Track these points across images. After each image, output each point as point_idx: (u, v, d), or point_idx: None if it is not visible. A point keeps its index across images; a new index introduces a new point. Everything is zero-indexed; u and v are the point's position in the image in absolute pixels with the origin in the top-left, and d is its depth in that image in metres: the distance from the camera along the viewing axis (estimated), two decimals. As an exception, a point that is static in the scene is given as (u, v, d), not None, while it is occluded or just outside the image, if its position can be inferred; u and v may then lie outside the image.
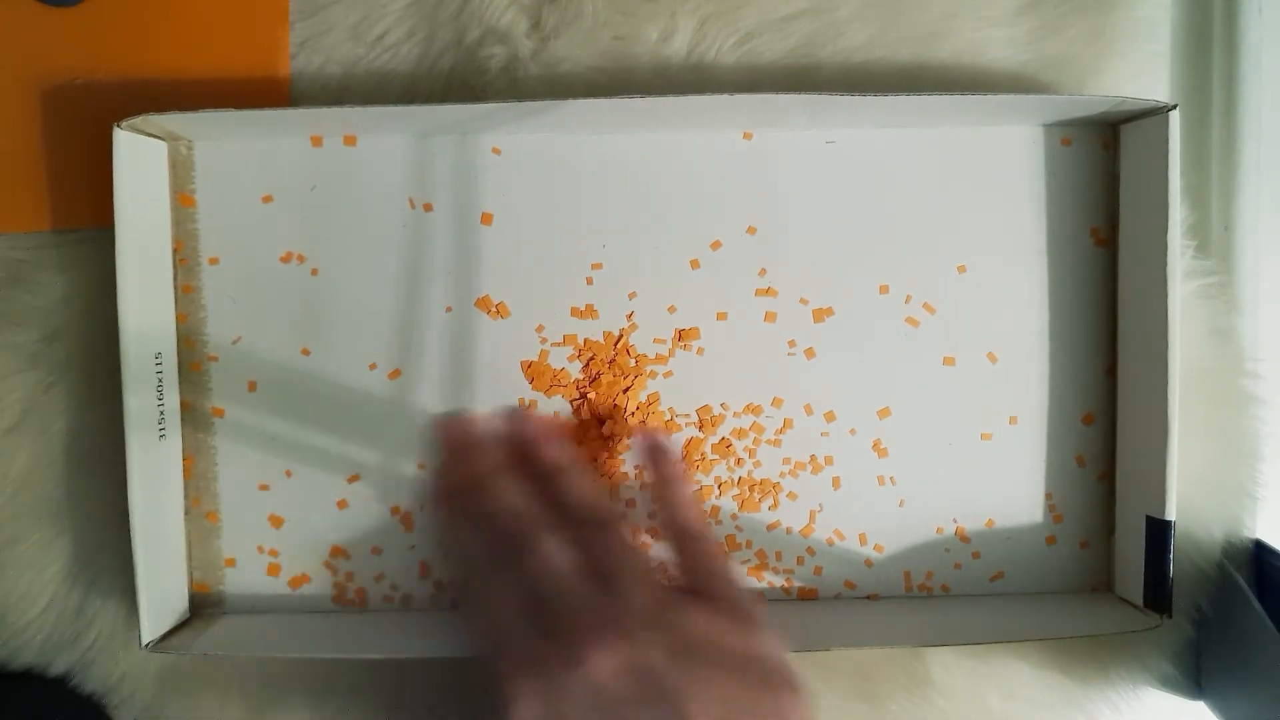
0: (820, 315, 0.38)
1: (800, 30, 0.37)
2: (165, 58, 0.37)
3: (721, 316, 0.38)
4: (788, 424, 0.38)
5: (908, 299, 0.38)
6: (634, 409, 0.37)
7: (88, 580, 0.38)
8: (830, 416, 0.38)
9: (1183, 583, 0.38)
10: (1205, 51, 0.39)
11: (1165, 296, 0.34)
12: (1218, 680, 0.38)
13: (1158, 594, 0.35)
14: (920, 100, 0.34)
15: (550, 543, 0.29)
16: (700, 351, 0.38)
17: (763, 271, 0.38)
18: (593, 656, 0.26)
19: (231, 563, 0.38)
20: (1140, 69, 0.38)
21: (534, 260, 0.37)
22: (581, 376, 0.38)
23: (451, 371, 0.37)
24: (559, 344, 0.38)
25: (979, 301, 0.38)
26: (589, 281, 0.37)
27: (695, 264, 0.38)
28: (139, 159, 0.35)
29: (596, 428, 0.38)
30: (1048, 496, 0.38)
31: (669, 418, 0.38)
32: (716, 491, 0.38)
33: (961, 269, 0.38)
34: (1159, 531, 0.35)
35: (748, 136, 0.37)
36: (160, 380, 0.36)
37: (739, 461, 0.38)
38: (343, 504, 0.38)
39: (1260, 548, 0.38)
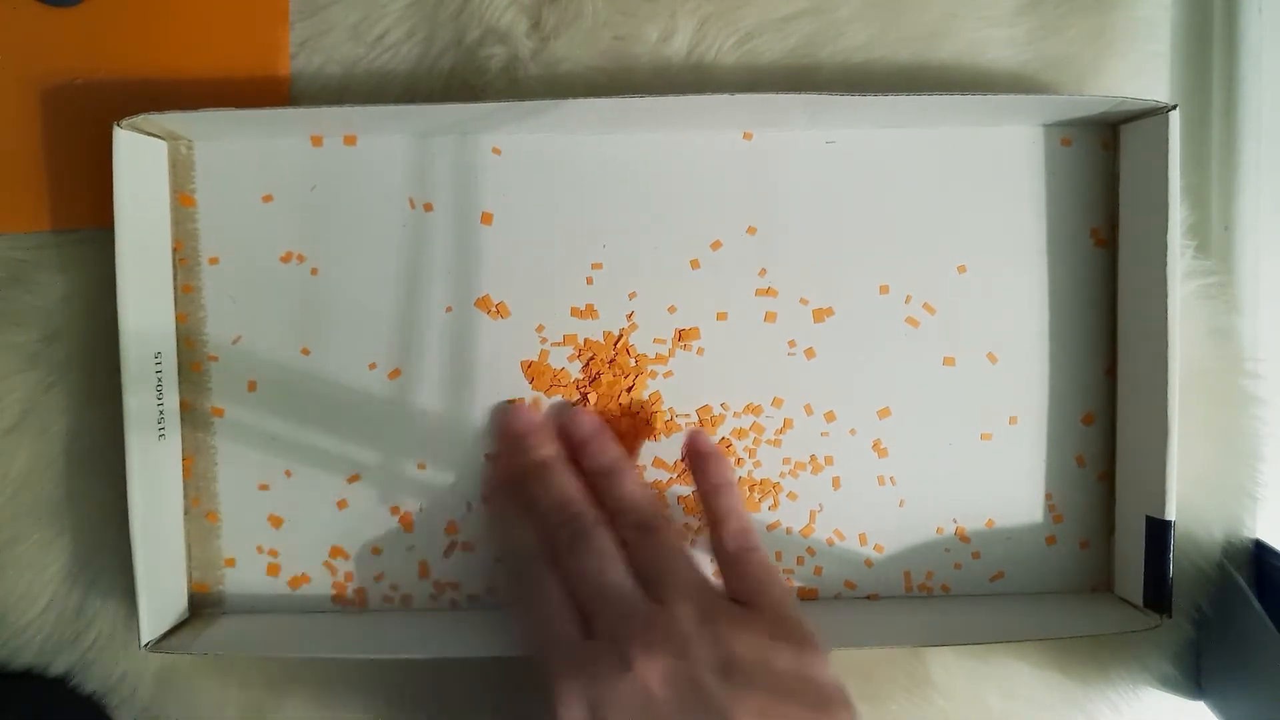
0: (820, 315, 0.38)
1: (800, 30, 0.37)
2: (165, 58, 0.37)
3: (721, 316, 0.38)
4: (788, 424, 0.38)
5: (908, 299, 0.38)
6: (635, 409, 0.37)
7: (88, 580, 0.38)
8: (830, 416, 0.38)
9: (1183, 583, 0.38)
10: (1205, 51, 0.39)
11: (1165, 296, 0.34)
12: (1218, 680, 0.38)
13: (1158, 594, 0.35)
14: (920, 100, 0.34)
15: (602, 540, 0.29)
16: (700, 351, 0.38)
17: (763, 271, 0.38)
18: (641, 663, 0.26)
19: (231, 562, 0.38)
20: (1140, 69, 0.38)
21: (534, 260, 0.37)
22: (581, 376, 0.38)
23: (451, 371, 0.37)
24: (559, 344, 0.38)
25: (979, 301, 0.38)
26: (589, 281, 0.37)
27: (695, 264, 0.38)
28: (139, 158, 0.35)
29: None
30: (1048, 496, 0.38)
31: (669, 418, 0.38)
32: (716, 491, 0.38)
33: (961, 269, 0.38)
34: (1159, 531, 0.35)
35: (748, 136, 0.37)
36: (160, 380, 0.36)
37: (739, 461, 0.38)
38: (342, 504, 0.38)
39: (1260, 548, 0.38)
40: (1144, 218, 0.35)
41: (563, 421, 0.35)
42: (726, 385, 0.38)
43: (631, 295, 0.38)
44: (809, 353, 0.38)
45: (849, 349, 0.38)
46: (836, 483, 0.38)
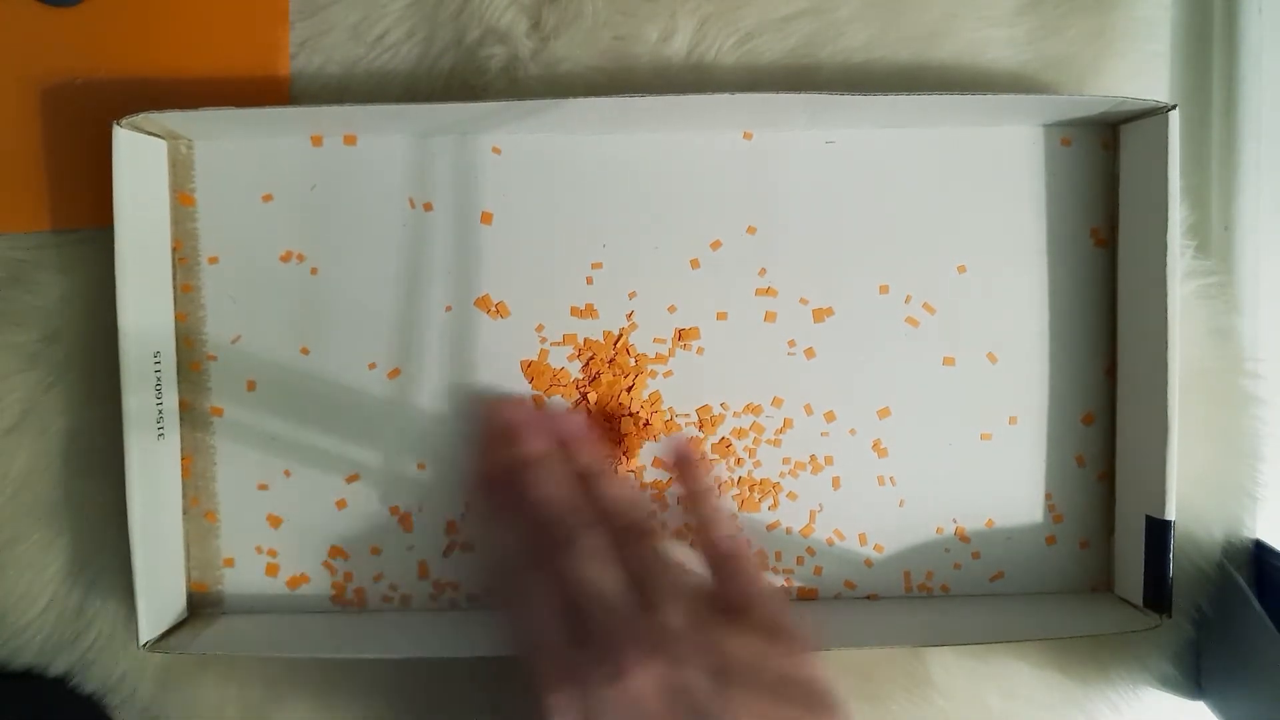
0: (820, 315, 0.38)
1: (800, 30, 0.37)
2: (165, 57, 0.37)
3: (721, 316, 0.38)
4: (788, 424, 0.38)
5: (908, 299, 0.38)
6: (636, 408, 0.37)
7: (88, 580, 0.38)
8: (830, 416, 0.38)
9: (1183, 583, 0.38)
10: (1205, 51, 0.39)
11: (1165, 296, 0.34)
12: (1218, 680, 0.38)
13: (1158, 594, 0.35)
14: (920, 100, 0.34)
15: (593, 542, 0.29)
16: (700, 351, 0.38)
17: (763, 271, 0.38)
18: (632, 671, 0.26)
19: (230, 562, 0.38)
20: (1140, 69, 0.38)
21: (534, 260, 0.37)
22: (581, 376, 0.38)
23: (451, 371, 0.37)
24: (559, 344, 0.38)
25: (979, 301, 0.38)
26: (589, 281, 0.37)
27: (695, 264, 0.38)
28: (139, 157, 0.35)
29: (609, 430, 0.38)
30: (1048, 496, 0.38)
31: (669, 418, 0.38)
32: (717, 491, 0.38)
33: (961, 269, 0.38)
34: (1159, 531, 0.35)
35: (748, 136, 0.37)
36: (159, 380, 0.36)
37: (739, 461, 0.38)
38: (342, 504, 0.38)
39: (1260, 548, 0.38)
40: (1144, 218, 0.35)
41: (551, 419, 0.34)
42: (726, 385, 0.38)
43: (631, 295, 0.38)
44: (809, 353, 0.38)
45: (849, 349, 0.38)
46: (836, 483, 0.38)
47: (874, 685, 0.39)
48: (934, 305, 0.38)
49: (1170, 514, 0.35)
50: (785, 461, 0.38)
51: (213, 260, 0.37)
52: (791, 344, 0.38)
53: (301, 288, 0.37)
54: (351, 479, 0.38)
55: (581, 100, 0.33)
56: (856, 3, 0.37)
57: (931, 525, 0.38)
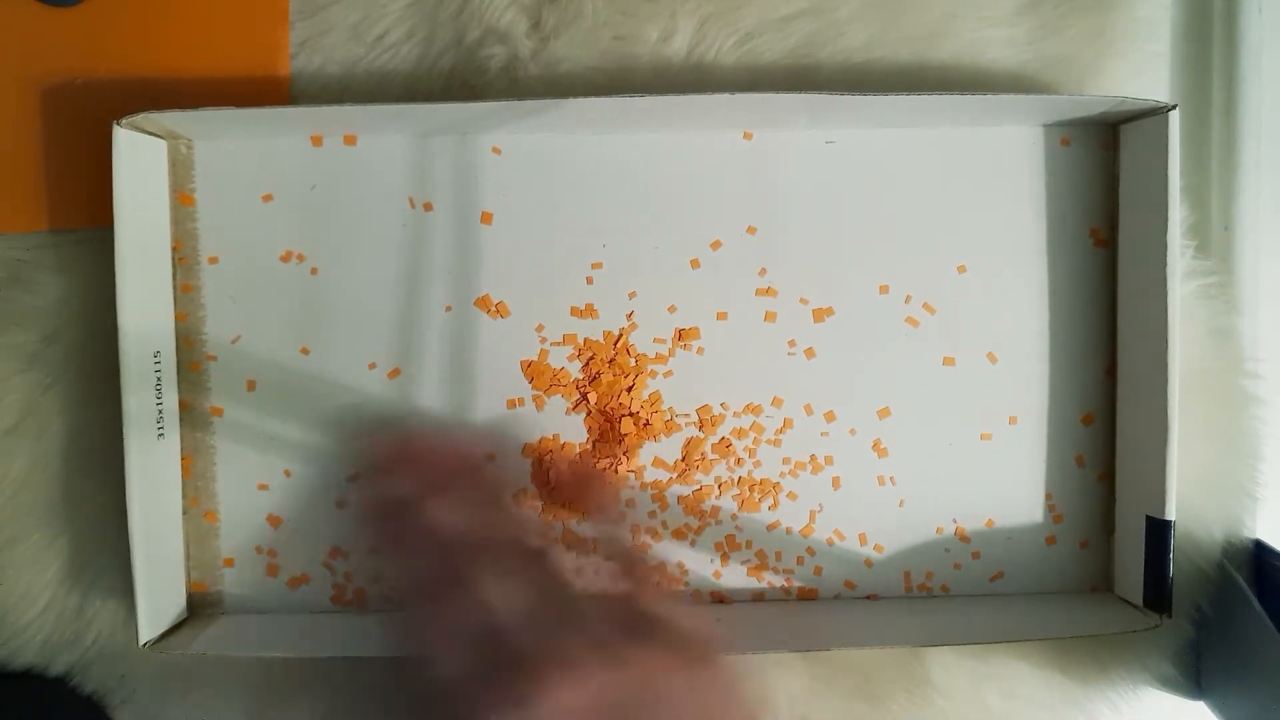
0: (820, 315, 0.38)
1: (800, 30, 0.37)
2: (165, 57, 0.37)
3: (721, 316, 0.38)
4: (788, 424, 0.38)
5: (908, 299, 0.38)
6: (636, 408, 0.37)
7: (88, 580, 0.38)
8: (830, 416, 0.38)
9: (1183, 583, 0.38)
10: (1205, 51, 0.39)
11: (1165, 296, 0.34)
12: (1218, 680, 0.38)
13: (1158, 594, 0.35)
14: (920, 100, 0.34)
15: (489, 571, 0.28)
16: (700, 351, 0.38)
17: (763, 271, 0.38)
18: (551, 695, 0.26)
19: (230, 562, 0.38)
20: (1140, 69, 0.38)
21: (534, 260, 0.37)
22: (581, 376, 0.38)
23: (451, 371, 0.37)
24: (559, 343, 0.38)
25: (979, 301, 0.38)
26: (589, 281, 0.37)
27: (695, 264, 0.38)
28: (139, 157, 0.34)
29: (609, 430, 0.38)
30: (1047, 496, 0.38)
31: (669, 418, 0.38)
32: (716, 491, 0.38)
33: (961, 269, 0.38)
34: (1159, 531, 0.35)
35: (748, 136, 0.37)
36: (159, 380, 0.36)
37: (739, 461, 0.38)
38: (342, 504, 0.38)
39: (1260, 548, 0.38)
40: (1144, 218, 0.35)
41: (434, 451, 0.33)
42: (726, 385, 0.38)
43: (631, 295, 0.38)
44: (809, 353, 0.38)
45: (849, 349, 0.38)
46: (836, 483, 0.38)
47: (874, 685, 0.39)
48: (934, 305, 0.38)
49: (1170, 514, 0.35)
50: (785, 461, 0.38)
51: (213, 260, 0.37)
52: (791, 344, 0.38)
53: (301, 288, 0.37)
54: (352, 479, 0.38)
55: (581, 100, 0.33)
56: (856, 3, 0.37)
57: (931, 525, 0.38)
